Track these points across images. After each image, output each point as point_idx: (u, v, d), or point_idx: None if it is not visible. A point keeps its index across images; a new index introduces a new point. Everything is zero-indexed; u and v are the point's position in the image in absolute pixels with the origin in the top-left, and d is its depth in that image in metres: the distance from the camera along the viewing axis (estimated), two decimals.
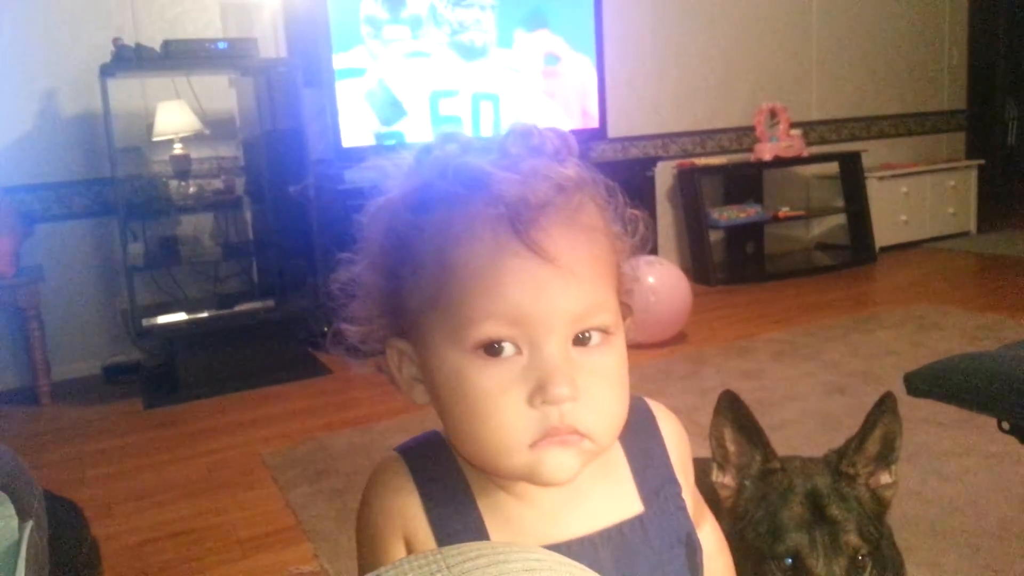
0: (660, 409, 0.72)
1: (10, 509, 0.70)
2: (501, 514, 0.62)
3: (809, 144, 5.26)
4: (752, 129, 5.08)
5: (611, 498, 0.65)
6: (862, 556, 0.84)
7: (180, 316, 3.53)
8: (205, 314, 3.56)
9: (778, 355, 3.37)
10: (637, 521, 0.64)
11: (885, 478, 0.93)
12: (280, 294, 3.78)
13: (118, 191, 3.50)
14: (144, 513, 2.39)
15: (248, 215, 4.00)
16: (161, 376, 3.59)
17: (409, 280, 0.58)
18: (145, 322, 3.46)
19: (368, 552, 0.65)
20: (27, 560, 0.71)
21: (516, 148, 0.58)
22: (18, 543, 0.72)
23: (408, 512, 0.62)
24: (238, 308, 3.60)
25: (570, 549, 0.61)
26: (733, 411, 0.95)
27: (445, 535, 0.60)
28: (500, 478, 0.60)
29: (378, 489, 0.64)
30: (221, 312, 3.59)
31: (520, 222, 0.53)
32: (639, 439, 0.68)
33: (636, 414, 0.67)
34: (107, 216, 3.71)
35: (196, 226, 3.92)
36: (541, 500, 0.62)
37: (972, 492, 2.08)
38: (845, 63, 5.81)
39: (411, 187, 0.59)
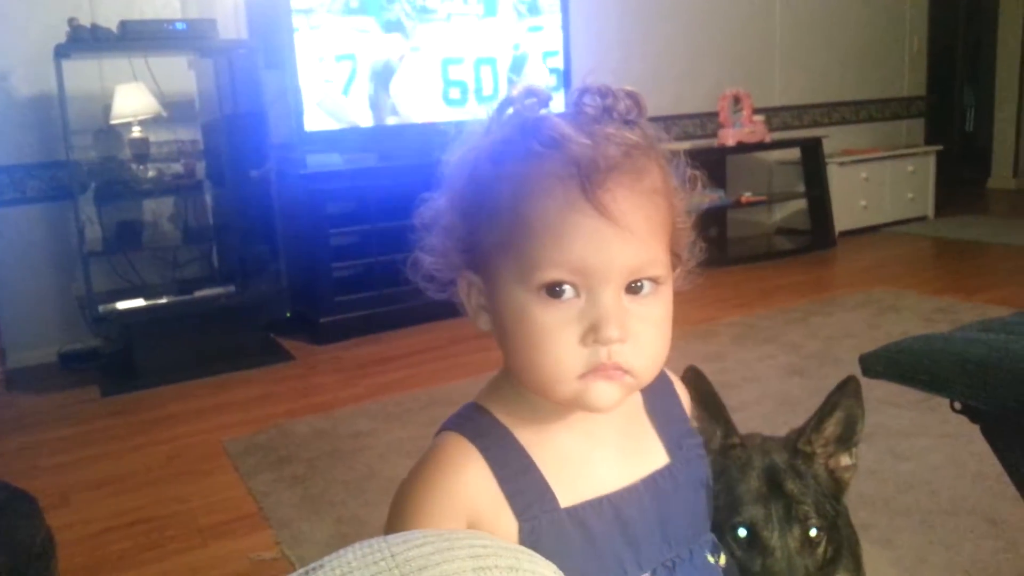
0: (676, 377, 0.83)
1: None
2: (559, 474, 0.68)
3: (772, 130, 5.30)
4: (716, 115, 5.10)
5: (643, 453, 0.73)
6: (817, 531, 0.86)
7: (138, 302, 3.47)
8: (164, 300, 3.50)
9: (739, 338, 3.40)
10: (667, 471, 0.73)
11: (845, 460, 0.94)
12: (241, 279, 3.73)
13: (74, 175, 3.42)
14: (102, 502, 2.35)
15: (208, 199, 3.93)
16: (119, 363, 3.53)
17: (485, 223, 0.64)
18: (102, 308, 3.40)
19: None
20: None
21: (591, 107, 0.64)
22: None
23: (481, 491, 0.66)
24: (198, 294, 3.55)
25: (621, 497, 0.69)
26: (697, 387, 0.97)
27: (521, 506, 0.65)
28: (554, 402, 0.66)
29: (445, 471, 0.67)
30: (180, 298, 3.53)
31: (589, 184, 0.59)
32: (660, 400, 0.77)
33: (656, 380, 0.74)
34: (63, 200, 3.61)
35: (155, 210, 3.84)
36: (589, 455, 0.70)
37: (926, 471, 2.12)
38: (808, 49, 5.86)
39: (494, 139, 0.65)
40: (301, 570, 0.45)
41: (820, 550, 0.86)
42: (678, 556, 0.71)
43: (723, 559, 0.77)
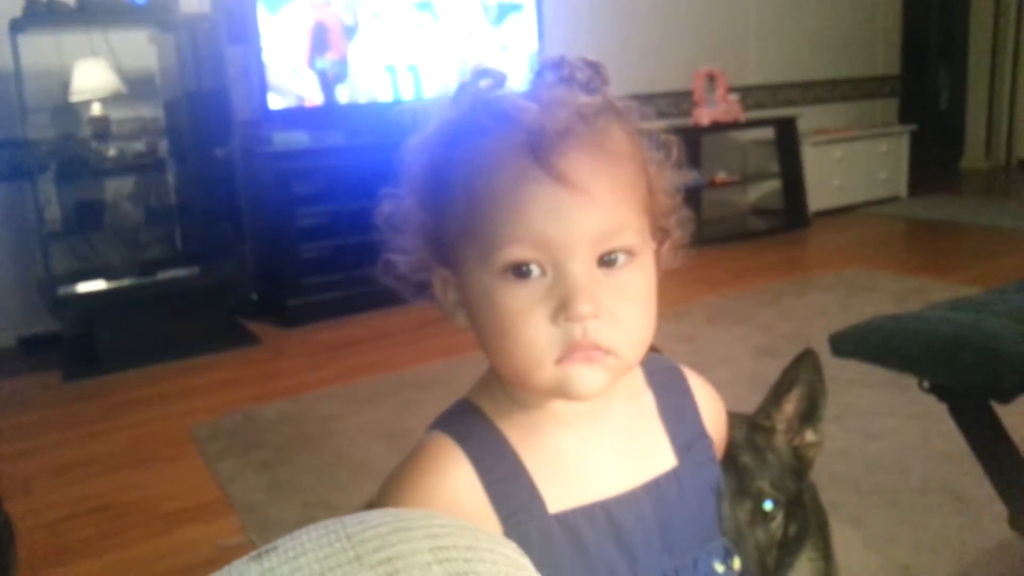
0: (693, 375, 0.78)
1: None
2: (550, 477, 0.64)
3: (746, 109, 5.28)
4: (690, 93, 5.07)
5: (647, 455, 0.69)
6: (773, 505, 0.85)
7: (99, 284, 3.40)
8: (126, 282, 3.43)
9: (712, 319, 3.39)
10: (672, 475, 0.69)
11: (810, 436, 0.94)
12: (205, 260, 3.65)
13: (31, 153, 3.33)
14: (63, 489, 2.31)
15: (171, 178, 3.84)
16: (80, 347, 3.44)
17: (446, 210, 0.61)
18: (62, 291, 3.32)
19: None
20: None
21: (547, 79, 0.61)
22: None
23: (465, 496, 0.63)
24: (161, 276, 3.47)
25: (618, 504, 0.65)
26: None
27: (507, 511, 0.63)
28: (534, 395, 0.63)
29: (430, 474, 0.64)
30: (143, 280, 3.46)
31: (540, 148, 0.56)
32: (671, 398, 0.73)
33: (668, 375, 0.75)
34: (20, 180, 3.51)
35: (116, 190, 3.75)
36: (584, 458, 0.66)
37: (895, 450, 2.13)
38: (782, 27, 5.84)
39: (446, 121, 0.62)
40: (254, 552, 0.43)
41: (774, 524, 0.85)
42: (681, 565, 0.68)
43: (737, 563, 0.74)
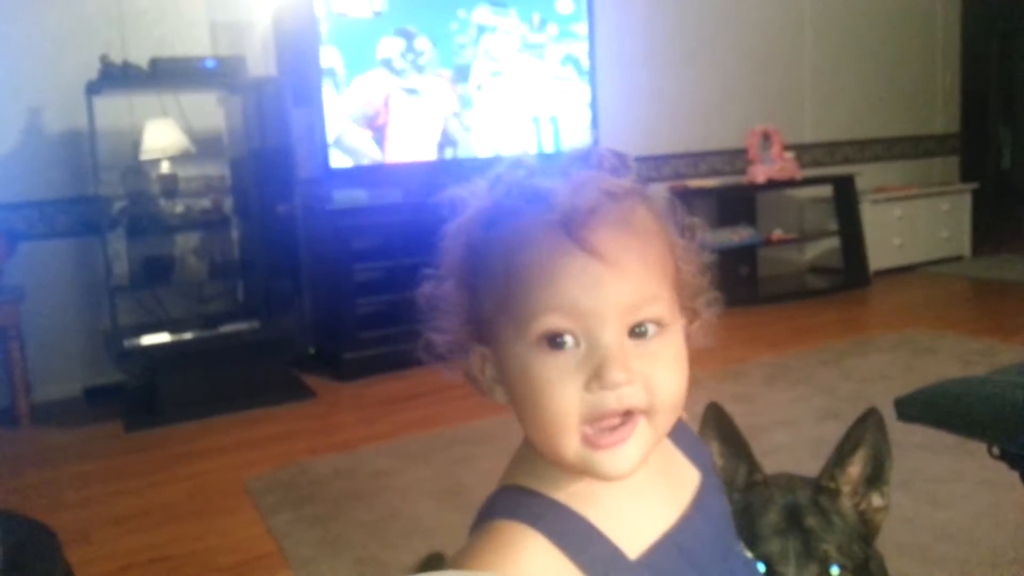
0: None
1: None
2: (618, 527, 0.66)
3: (803, 167, 5.25)
4: (745, 151, 5.07)
5: (682, 476, 0.73)
6: (840, 570, 0.83)
7: (163, 336, 3.48)
8: (188, 335, 3.51)
9: (770, 379, 3.33)
10: (703, 485, 0.73)
11: (876, 501, 0.92)
12: (265, 314, 3.73)
13: (102, 210, 3.46)
14: (123, 539, 2.34)
15: (234, 234, 3.96)
16: (143, 398, 3.53)
17: (484, 289, 0.65)
18: (127, 343, 3.41)
19: None
20: None
21: (575, 166, 0.65)
22: None
23: (557, 568, 0.63)
24: (222, 328, 3.55)
25: (681, 530, 0.68)
26: (719, 424, 0.95)
27: (598, 573, 0.63)
28: (564, 468, 0.64)
29: (511, 564, 0.63)
30: (205, 333, 3.54)
31: (572, 224, 0.60)
32: (674, 427, 0.74)
33: None
34: (91, 235, 3.65)
35: (182, 245, 3.87)
36: (638, 497, 0.68)
37: (964, 519, 2.04)
38: (839, 85, 5.82)
39: (483, 207, 0.66)
40: None
41: None
42: (734, 566, 0.73)
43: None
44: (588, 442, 0.60)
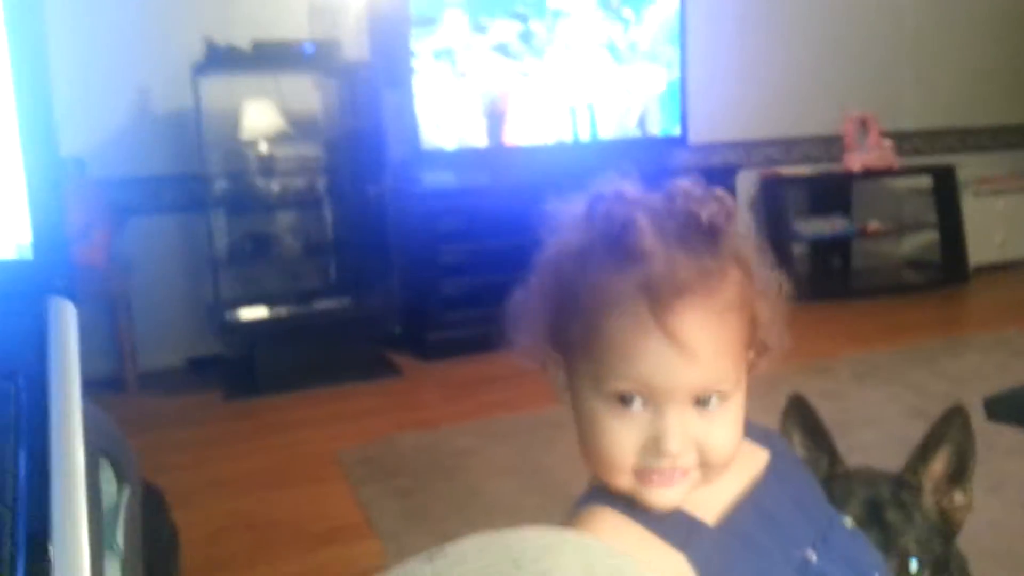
0: None
1: (110, 474, 0.75)
2: (695, 506, 0.69)
3: (902, 155, 5.06)
4: (840, 138, 4.92)
5: (751, 456, 0.76)
6: (919, 566, 0.83)
7: (261, 311, 3.62)
8: (284, 310, 3.65)
9: (860, 376, 3.26)
10: (774, 457, 0.77)
11: (959, 498, 0.91)
12: (356, 293, 3.84)
13: (207, 187, 3.60)
14: (220, 502, 2.46)
15: (328, 214, 4.07)
16: (241, 369, 3.68)
17: (568, 321, 0.69)
18: (228, 316, 3.56)
19: None
20: (124, 523, 0.75)
21: (675, 204, 0.66)
22: (116, 507, 0.76)
23: (643, 553, 0.66)
24: (316, 305, 3.68)
25: (755, 492, 0.72)
26: (801, 414, 0.96)
27: (679, 541, 0.67)
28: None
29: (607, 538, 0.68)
30: (300, 308, 3.67)
31: (659, 307, 0.63)
32: None
33: None
34: (195, 211, 3.80)
35: (278, 224, 4.00)
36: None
37: None
38: (942, 70, 5.56)
39: (579, 243, 0.69)
40: (424, 554, 0.51)
41: None
42: (819, 530, 0.74)
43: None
44: (639, 477, 0.67)
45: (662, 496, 0.67)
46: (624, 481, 0.67)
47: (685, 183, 0.68)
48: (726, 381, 0.66)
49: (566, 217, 0.71)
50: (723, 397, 0.66)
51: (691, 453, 0.66)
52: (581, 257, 0.68)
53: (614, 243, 0.66)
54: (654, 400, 0.65)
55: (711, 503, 0.71)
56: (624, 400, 0.65)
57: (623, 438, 0.66)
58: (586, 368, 0.67)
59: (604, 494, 0.71)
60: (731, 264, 0.67)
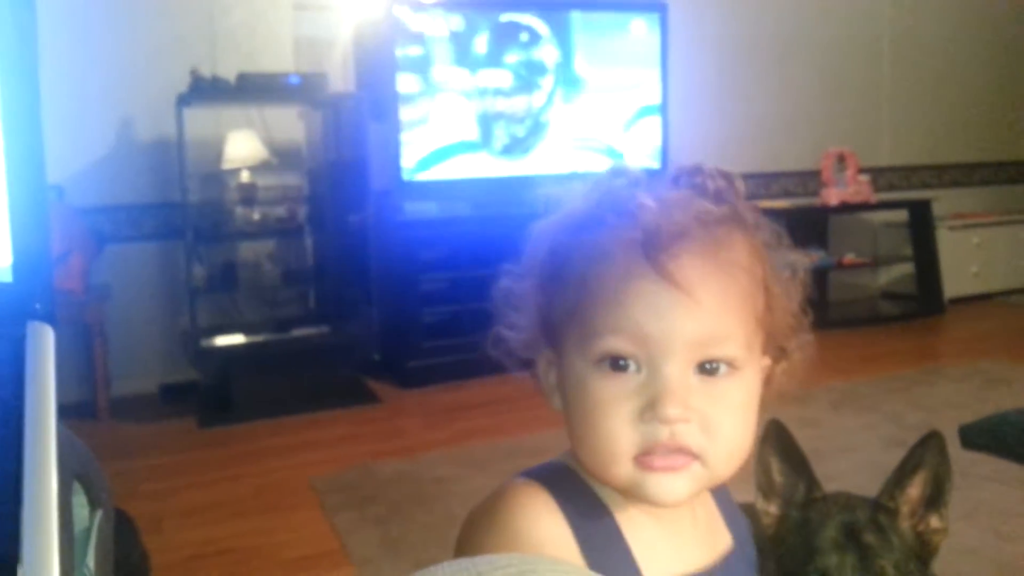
0: None
1: (83, 498, 0.75)
2: (647, 549, 0.63)
3: (878, 190, 5.14)
4: (817, 173, 5.00)
5: (715, 530, 0.69)
6: None
7: (238, 338, 3.61)
8: (262, 337, 3.63)
9: (837, 404, 3.28)
10: (735, 551, 0.70)
11: (935, 522, 0.92)
12: (335, 320, 3.83)
13: (187, 215, 3.60)
14: (192, 530, 2.43)
15: (309, 242, 4.08)
16: (216, 396, 3.64)
17: (559, 293, 0.63)
18: (204, 343, 3.54)
19: None
20: (96, 547, 0.74)
21: (675, 184, 0.63)
22: (88, 531, 0.75)
23: (557, 542, 0.61)
24: (294, 333, 3.67)
25: None
26: (780, 440, 0.96)
27: (597, 564, 0.61)
28: (613, 488, 0.63)
29: (518, 518, 0.63)
30: (277, 336, 3.66)
31: (651, 247, 0.57)
32: (720, 490, 0.72)
33: None
34: (174, 239, 3.80)
35: (258, 251, 4.00)
36: (674, 533, 0.65)
37: None
38: (918, 108, 5.68)
39: (573, 211, 0.65)
40: None
41: None
42: None
43: None
44: (640, 464, 0.58)
45: (666, 486, 0.58)
46: (623, 470, 0.59)
47: (686, 164, 0.64)
48: (733, 342, 0.59)
49: (563, 196, 0.67)
50: (733, 367, 0.59)
51: (693, 430, 0.58)
52: (574, 225, 0.64)
53: (610, 205, 0.62)
54: (649, 358, 0.58)
55: (662, 560, 0.64)
56: (616, 364, 0.58)
57: (615, 409, 0.58)
58: (575, 338, 0.61)
59: (562, 472, 0.66)
60: (737, 229, 0.61)
